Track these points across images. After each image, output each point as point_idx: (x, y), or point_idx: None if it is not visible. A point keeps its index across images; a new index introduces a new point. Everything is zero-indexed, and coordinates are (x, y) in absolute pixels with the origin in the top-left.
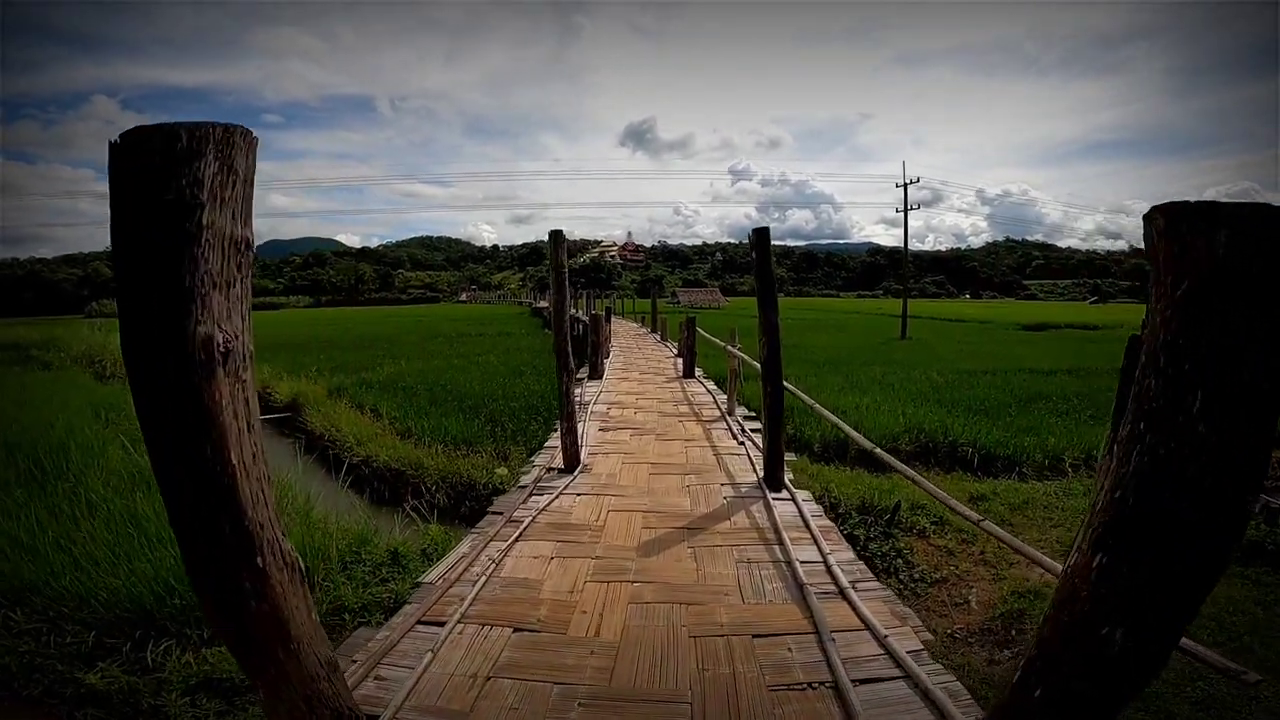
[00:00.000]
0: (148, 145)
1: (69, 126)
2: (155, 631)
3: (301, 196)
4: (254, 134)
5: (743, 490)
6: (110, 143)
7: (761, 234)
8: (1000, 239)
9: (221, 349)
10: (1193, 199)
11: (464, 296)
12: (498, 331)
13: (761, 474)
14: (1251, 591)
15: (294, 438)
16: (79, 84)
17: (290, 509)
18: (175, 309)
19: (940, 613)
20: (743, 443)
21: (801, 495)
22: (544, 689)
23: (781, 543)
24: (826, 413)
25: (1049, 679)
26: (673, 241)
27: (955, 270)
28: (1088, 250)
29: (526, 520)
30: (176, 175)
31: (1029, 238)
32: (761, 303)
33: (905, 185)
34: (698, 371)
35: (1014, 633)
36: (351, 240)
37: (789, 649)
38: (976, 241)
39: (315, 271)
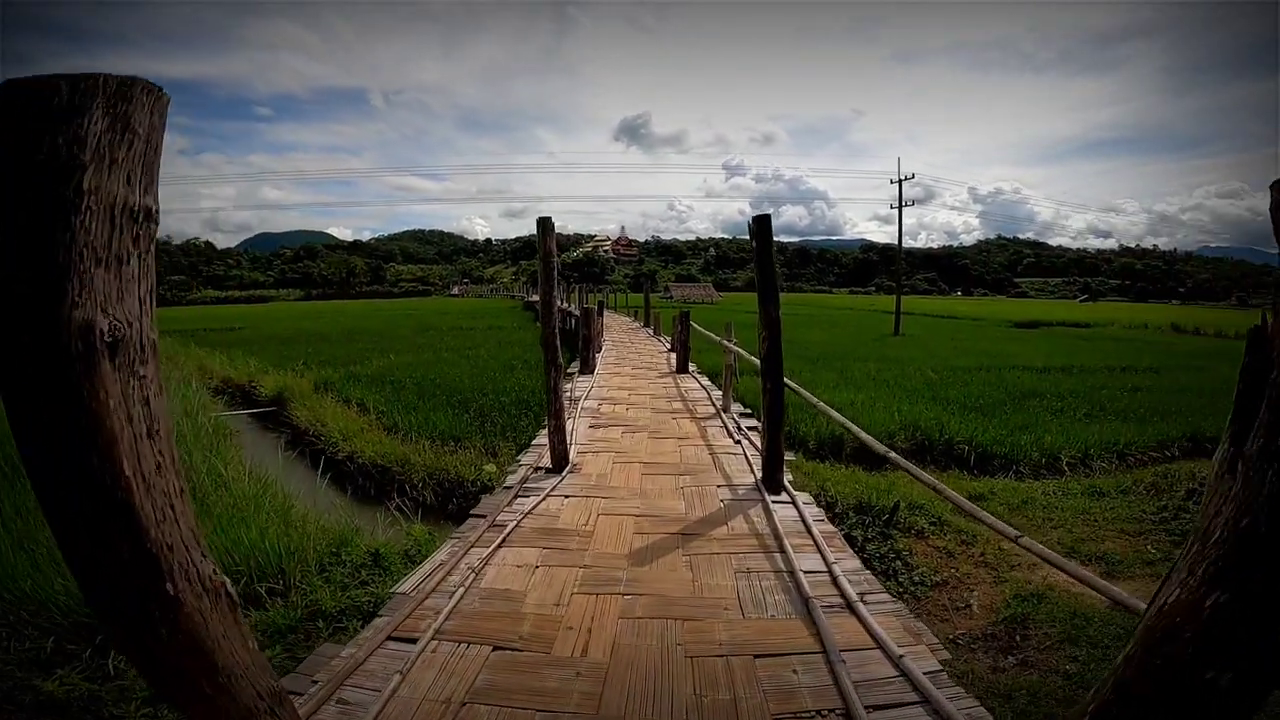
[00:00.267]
0: (19, 99)
1: None
2: None
3: (292, 189)
4: (164, 91)
5: (740, 492)
6: None
7: (762, 222)
8: (992, 237)
9: (107, 338)
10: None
11: (456, 290)
12: (489, 325)
13: (759, 475)
14: None
15: (278, 432)
16: None
17: (269, 507)
18: (45, 289)
19: (941, 617)
20: (739, 441)
21: (802, 498)
22: (524, 717)
23: (783, 550)
24: (833, 412)
25: None
26: (666, 236)
27: (947, 267)
28: (1078, 249)
29: (510, 524)
30: (51, 132)
31: (1020, 236)
32: (762, 295)
33: (900, 181)
34: (691, 367)
35: (1018, 638)
36: (343, 233)
37: (794, 671)
38: (968, 239)
39: (306, 264)
